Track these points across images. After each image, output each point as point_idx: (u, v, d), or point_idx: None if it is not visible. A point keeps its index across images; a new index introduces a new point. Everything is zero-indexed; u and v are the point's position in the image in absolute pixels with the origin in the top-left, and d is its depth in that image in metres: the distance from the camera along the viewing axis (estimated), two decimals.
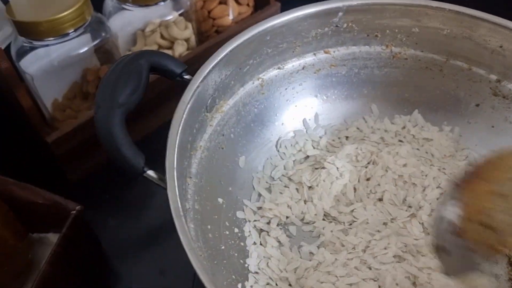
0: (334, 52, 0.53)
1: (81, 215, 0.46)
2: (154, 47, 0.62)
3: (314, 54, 0.53)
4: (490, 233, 0.30)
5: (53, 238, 0.49)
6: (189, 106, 0.40)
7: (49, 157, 0.55)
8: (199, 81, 0.42)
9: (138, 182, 0.58)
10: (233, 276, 0.42)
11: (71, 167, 0.56)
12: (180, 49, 0.62)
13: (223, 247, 0.43)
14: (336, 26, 0.51)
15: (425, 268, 0.42)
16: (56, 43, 0.51)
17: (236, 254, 0.44)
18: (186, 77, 0.43)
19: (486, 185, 0.31)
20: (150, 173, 0.38)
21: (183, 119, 0.39)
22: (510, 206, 0.30)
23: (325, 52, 0.53)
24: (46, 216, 0.47)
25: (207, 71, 0.43)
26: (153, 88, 0.56)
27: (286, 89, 0.53)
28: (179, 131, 0.38)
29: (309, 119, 0.55)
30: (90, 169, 0.57)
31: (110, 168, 0.53)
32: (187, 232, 0.33)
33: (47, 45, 0.50)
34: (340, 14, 0.50)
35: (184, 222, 0.33)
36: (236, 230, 0.46)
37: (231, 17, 0.65)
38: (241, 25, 0.64)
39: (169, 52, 0.62)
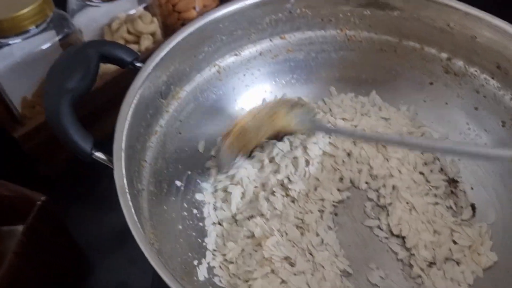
0: (290, 37, 0.55)
1: (47, 205, 0.47)
2: (121, 42, 0.64)
3: (271, 40, 0.54)
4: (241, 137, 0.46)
5: (21, 230, 0.51)
6: (140, 91, 0.42)
7: (20, 153, 0.56)
8: (151, 68, 0.43)
9: (110, 175, 0.60)
10: (190, 254, 0.43)
11: (42, 162, 0.58)
12: (146, 43, 0.63)
13: (180, 227, 0.45)
14: (290, 12, 0.53)
15: None
16: (19, 41, 0.52)
17: (194, 234, 0.46)
18: (138, 64, 0.44)
19: (252, 113, 0.48)
20: (99, 154, 0.39)
21: (133, 104, 0.41)
22: (258, 123, 0.46)
23: (281, 38, 0.54)
24: (13, 208, 0.49)
25: (159, 58, 0.44)
26: (118, 83, 0.57)
27: (244, 75, 0.54)
28: (129, 116, 0.40)
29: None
30: (62, 163, 0.59)
31: (82, 162, 0.54)
32: (131, 207, 0.34)
33: (9, 44, 0.52)
34: (292, 0, 0.52)
35: (128, 199, 0.35)
36: (195, 211, 0.48)
37: (197, 9, 0.66)
38: None
39: (135, 46, 0.64)
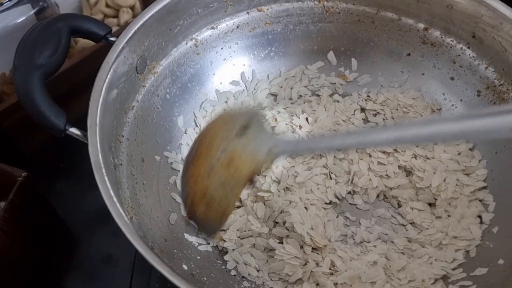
0: (267, 9, 0.54)
1: (29, 181, 0.48)
2: (100, 16, 0.63)
3: (248, 13, 0.54)
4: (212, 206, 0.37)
5: (3, 206, 0.51)
6: (113, 66, 0.42)
7: (0, 131, 0.56)
8: (124, 42, 0.43)
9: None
10: (168, 227, 0.44)
11: (23, 139, 0.57)
12: (125, 17, 0.63)
13: (159, 199, 0.45)
14: None
15: None
16: None
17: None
18: (112, 39, 0.44)
19: (204, 167, 0.36)
20: (73, 130, 0.39)
21: (107, 79, 0.41)
22: (218, 179, 0.36)
23: (259, 10, 0.54)
24: None
25: (132, 32, 0.44)
26: (96, 60, 0.56)
27: (222, 48, 0.54)
28: (103, 91, 0.40)
29: (247, 75, 0.56)
30: (44, 139, 0.59)
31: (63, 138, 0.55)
32: (106, 182, 0.35)
33: None
34: None
35: (104, 174, 0.35)
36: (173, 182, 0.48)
37: None
38: None
39: (114, 20, 0.63)
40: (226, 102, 0.54)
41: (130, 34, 0.43)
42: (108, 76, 0.41)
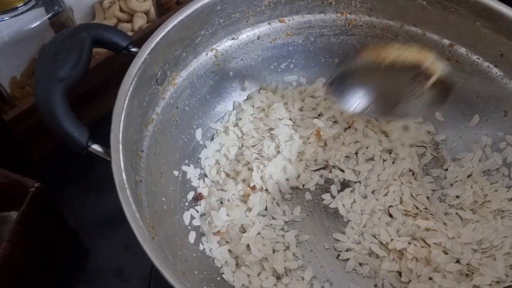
0: (289, 20, 0.53)
1: (41, 192, 0.46)
2: (113, 21, 0.62)
3: (269, 23, 0.53)
4: None
5: (14, 216, 0.50)
6: (135, 79, 0.40)
7: (10, 137, 0.54)
8: (146, 53, 0.42)
9: (102, 159, 0.59)
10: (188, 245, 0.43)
11: (34, 145, 0.56)
12: (139, 22, 0.61)
13: (178, 217, 0.44)
14: None
15: None
16: (7, 19, 0.50)
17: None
18: (133, 49, 0.43)
19: None
20: (95, 147, 0.38)
21: (129, 92, 0.39)
22: None
23: (280, 21, 0.53)
24: (6, 195, 0.48)
25: (154, 43, 0.42)
26: (112, 64, 0.55)
27: (242, 59, 0.53)
28: (125, 105, 0.38)
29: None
30: (53, 147, 0.57)
31: None
32: (131, 204, 0.34)
33: None
34: None
35: (128, 195, 0.34)
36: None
37: None
38: None
39: (128, 25, 0.62)
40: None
41: (152, 45, 0.42)
42: (131, 89, 0.39)
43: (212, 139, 0.51)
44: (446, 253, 0.44)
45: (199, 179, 0.48)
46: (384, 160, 0.51)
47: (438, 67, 0.44)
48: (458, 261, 0.44)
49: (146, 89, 0.43)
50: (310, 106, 0.54)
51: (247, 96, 0.54)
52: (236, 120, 0.52)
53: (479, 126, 0.52)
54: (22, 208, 0.45)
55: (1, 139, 0.55)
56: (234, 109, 0.54)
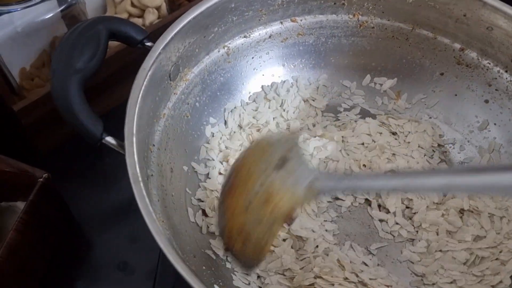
0: (301, 20, 0.53)
1: (49, 183, 0.47)
2: (125, 15, 0.62)
3: (281, 23, 0.53)
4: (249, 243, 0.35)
5: (21, 206, 0.50)
6: (149, 73, 0.40)
7: (19, 128, 0.54)
8: (161, 48, 0.42)
9: (110, 152, 0.59)
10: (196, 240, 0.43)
11: (42, 137, 0.56)
12: (150, 17, 0.61)
13: (186, 212, 0.44)
14: None
15: None
16: (20, 9, 0.50)
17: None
18: (148, 44, 0.43)
19: (241, 200, 0.35)
20: (109, 139, 0.38)
21: (143, 86, 0.39)
22: (256, 217, 0.34)
23: (292, 21, 0.53)
24: (14, 185, 0.48)
25: (169, 38, 0.42)
26: (122, 57, 0.55)
27: (253, 57, 0.53)
28: (139, 99, 0.39)
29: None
30: (61, 138, 0.57)
31: (82, 138, 0.53)
32: (145, 197, 0.34)
33: (9, 11, 0.50)
34: None
35: (142, 188, 0.34)
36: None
37: None
38: None
39: (139, 20, 0.62)
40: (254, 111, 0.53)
41: (167, 40, 0.42)
42: (145, 83, 0.40)
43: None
44: None
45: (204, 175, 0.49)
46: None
47: None
48: None
49: (159, 84, 0.43)
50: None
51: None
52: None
53: (487, 130, 0.52)
54: (30, 198, 0.45)
55: (10, 129, 0.55)
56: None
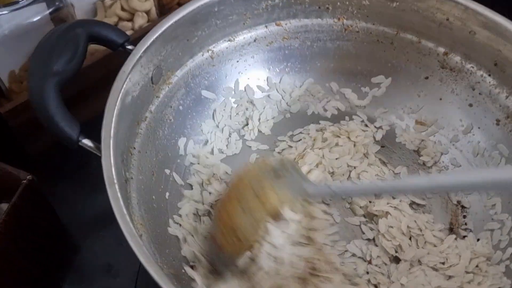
0: (286, 24, 0.53)
1: (33, 184, 0.47)
2: (114, 19, 0.62)
3: (266, 27, 0.53)
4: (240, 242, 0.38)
5: (5, 208, 0.50)
6: (130, 76, 0.41)
7: (6, 130, 0.55)
8: (142, 51, 0.42)
9: (97, 156, 0.59)
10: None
11: (30, 140, 0.56)
12: (140, 21, 0.62)
13: (167, 216, 0.44)
14: None
15: None
16: (7, 12, 0.50)
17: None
18: (129, 47, 0.43)
19: (236, 204, 0.39)
20: (86, 141, 0.38)
21: (122, 89, 0.39)
22: (249, 219, 0.38)
23: (277, 25, 0.53)
24: None
25: (150, 41, 0.43)
26: (111, 61, 0.55)
27: (237, 61, 0.53)
28: (118, 102, 0.39)
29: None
30: (49, 141, 0.57)
31: None
32: (119, 199, 0.34)
33: None
34: None
35: (117, 190, 0.34)
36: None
37: None
38: None
39: (128, 24, 0.62)
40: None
41: (148, 44, 0.43)
42: (124, 86, 0.40)
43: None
44: None
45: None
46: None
47: None
48: None
49: (141, 87, 0.43)
50: None
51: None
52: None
53: (472, 134, 0.52)
54: (14, 200, 0.45)
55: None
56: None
